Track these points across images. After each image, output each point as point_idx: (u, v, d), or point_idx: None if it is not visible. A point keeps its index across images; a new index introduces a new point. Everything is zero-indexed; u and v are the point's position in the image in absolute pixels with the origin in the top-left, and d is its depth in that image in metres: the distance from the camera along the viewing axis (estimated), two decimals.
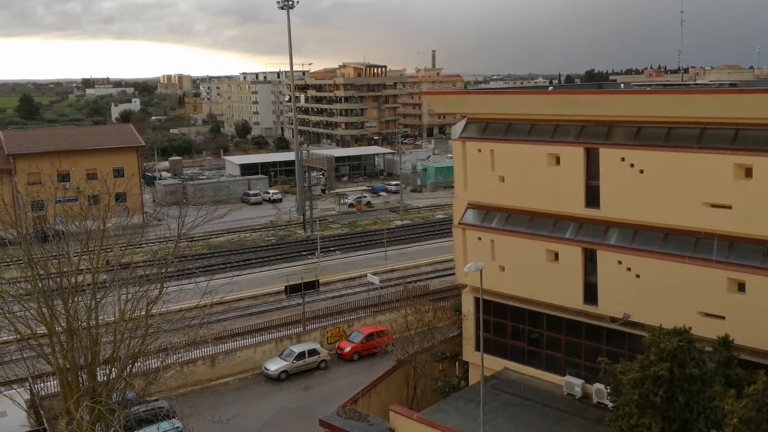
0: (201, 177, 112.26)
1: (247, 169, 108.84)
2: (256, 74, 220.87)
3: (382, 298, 48.89)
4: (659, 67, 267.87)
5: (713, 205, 23.89)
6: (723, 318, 23.84)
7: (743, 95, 24.52)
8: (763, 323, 23.19)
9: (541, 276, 29.03)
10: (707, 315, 24.17)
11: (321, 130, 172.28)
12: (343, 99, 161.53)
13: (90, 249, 23.96)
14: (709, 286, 24.17)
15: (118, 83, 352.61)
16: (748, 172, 23.12)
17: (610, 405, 23.56)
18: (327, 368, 41.55)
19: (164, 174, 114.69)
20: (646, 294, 25.80)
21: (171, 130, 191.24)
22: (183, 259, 57.88)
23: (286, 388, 39.29)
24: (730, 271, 23.73)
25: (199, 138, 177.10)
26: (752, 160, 22.97)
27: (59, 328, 22.77)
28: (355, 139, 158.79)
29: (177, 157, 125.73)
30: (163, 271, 24.81)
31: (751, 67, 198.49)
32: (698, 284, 24.40)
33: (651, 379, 19.90)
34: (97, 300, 23.08)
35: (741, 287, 23.71)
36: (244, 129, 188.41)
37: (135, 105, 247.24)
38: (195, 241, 70.08)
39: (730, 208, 23.54)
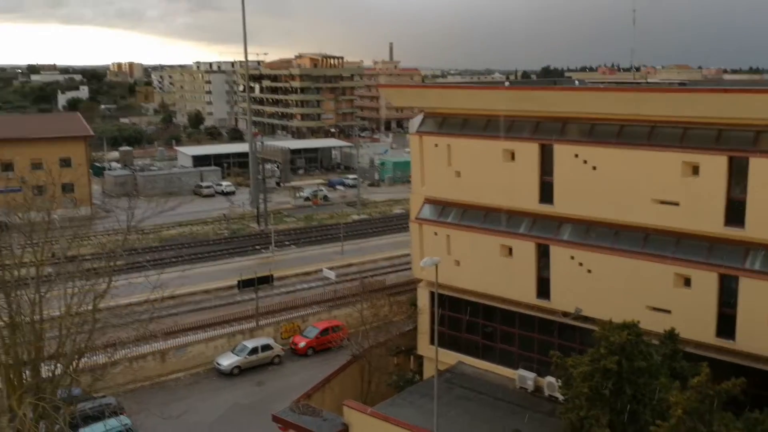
0: (152, 168, 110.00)
1: (199, 161, 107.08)
2: (210, 63, 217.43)
3: (338, 293, 48.72)
4: (612, 65, 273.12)
5: (662, 202, 24.43)
6: (669, 312, 24.42)
7: (691, 95, 25.11)
8: (706, 317, 23.85)
9: (495, 271, 29.29)
10: (655, 309, 24.74)
11: (276, 122, 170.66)
12: (299, 90, 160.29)
13: (34, 241, 23.20)
14: (657, 281, 24.73)
15: (65, 70, 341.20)
16: (695, 170, 23.69)
17: (561, 398, 23.92)
18: (281, 363, 41.22)
19: (114, 165, 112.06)
20: (597, 289, 26.26)
21: (121, 120, 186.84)
22: (132, 252, 56.64)
23: (239, 383, 38.85)
24: (677, 266, 24.32)
25: (150, 128, 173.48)
26: (699, 158, 23.54)
27: (1, 323, 22.00)
28: (312, 131, 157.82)
29: (127, 148, 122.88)
30: (112, 264, 24.22)
31: (700, 67, 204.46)
32: (647, 279, 24.94)
33: (600, 372, 20.26)
34: (42, 294, 22.37)
35: (687, 282, 24.33)
36: (197, 119, 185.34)
37: (83, 93, 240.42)
38: (145, 233, 68.66)
39: (677, 204, 24.10)
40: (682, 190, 23.95)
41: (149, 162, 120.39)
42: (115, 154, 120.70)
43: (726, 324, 23.72)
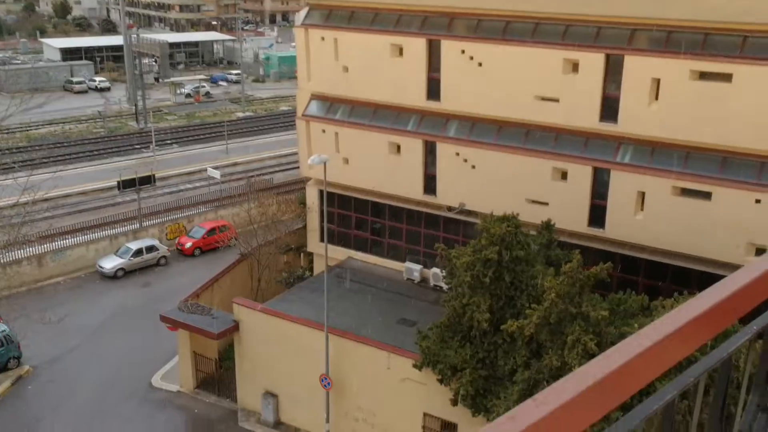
0: (15, 62, 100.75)
1: (68, 54, 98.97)
2: None
3: (224, 192, 47.77)
4: None
5: (543, 99, 25.18)
6: (547, 204, 25.76)
7: None
8: (579, 208, 25.39)
9: (384, 168, 29.54)
10: (534, 202, 25.99)
11: (152, 13, 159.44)
12: None
13: None
14: (536, 175, 25.86)
15: None
16: (575, 67, 24.45)
17: (446, 287, 25.10)
18: (167, 264, 40.48)
19: None
20: (480, 183, 27.17)
21: None
22: None
23: (124, 285, 37.96)
24: (555, 160, 25.47)
25: (10, 17, 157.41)
26: (579, 56, 24.26)
27: None
28: (192, 24, 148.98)
29: None
30: None
31: None
32: (527, 173, 26.01)
33: (481, 262, 21.29)
34: None
35: (564, 176, 25.62)
36: (63, 9, 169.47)
37: None
38: (12, 132, 63.68)
39: (557, 101, 24.93)
40: (562, 87, 24.74)
41: (11, 55, 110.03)
42: None
43: (597, 214, 25.39)
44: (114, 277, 38.47)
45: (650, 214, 24.10)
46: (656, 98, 23.21)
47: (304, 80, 31.09)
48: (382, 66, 28.32)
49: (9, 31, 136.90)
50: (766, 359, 2.21)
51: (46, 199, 40.86)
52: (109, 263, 38.83)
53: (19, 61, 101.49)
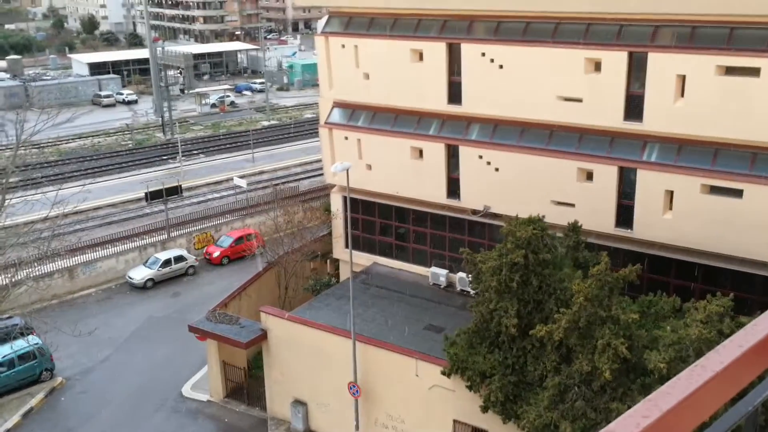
0: (45, 78, 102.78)
1: (96, 69, 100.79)
2: None
3: (251, 201, 48.09)
4: None
5: (566, 99, 24.86)
6: (573, 205, 25.40)
7: None
8: (606, 209, 25.00)
9: (406, 173, 29.44)
10: (559, 203, 25.66)
11: (177, 25, 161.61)
12: None
13: None
14: (561, 177, 25.53)
15: None
16: (598, 66, 24.10)
17: (472, 292, 24.86)
18: (196, 274, 40.81)
19: (1, 75, 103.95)
20: (505, 186, 26.92)
21: (6, 26, 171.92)
22: (28, 167, 53.58)
23: (154, 296, 38.36)
24: (580, 161, 25.12)
25: (40, 34, 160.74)
26: (601, 54, 23.91)
27: None
28: (216, 35, 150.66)
29: (15, 56, 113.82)
30: (4, 181, 22.82)
31: None
32: (552, 175, 25.70)
33: (508, 265, 21.02)
34: None
35: (589, 176, 25.24)
36: (91, 24, 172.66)
37: None
38: (42, 147, 64.86)
39: (581, 101, 24.59)
40: (585, 87, 24.40)
41: (41, 71, 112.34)
42: (1, 63, 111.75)
43: (625, 214, 24.96)
44: (143, 287, 38.91)
45: (679, 214, 23.62)
46: (682, 95, 22.76)
47: (326, 88, 31.15)
48: (402, 71, 28.25)
49: (39, 47, 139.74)
50: None
51: (77, 212, 41.51)
52: (139, 274, 39.28)
53: (49, 77, 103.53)
